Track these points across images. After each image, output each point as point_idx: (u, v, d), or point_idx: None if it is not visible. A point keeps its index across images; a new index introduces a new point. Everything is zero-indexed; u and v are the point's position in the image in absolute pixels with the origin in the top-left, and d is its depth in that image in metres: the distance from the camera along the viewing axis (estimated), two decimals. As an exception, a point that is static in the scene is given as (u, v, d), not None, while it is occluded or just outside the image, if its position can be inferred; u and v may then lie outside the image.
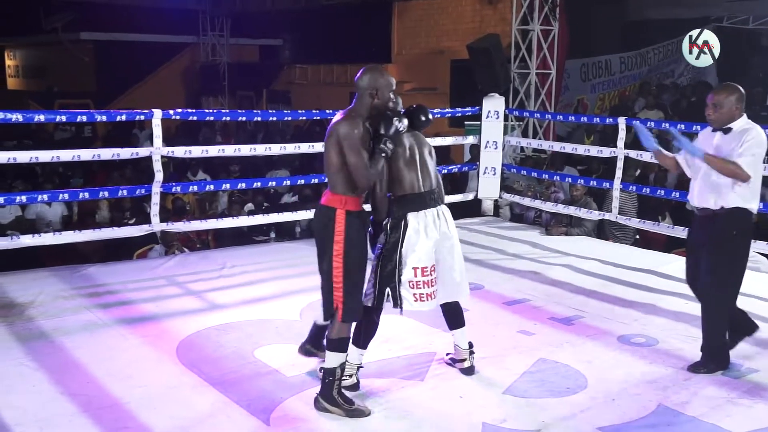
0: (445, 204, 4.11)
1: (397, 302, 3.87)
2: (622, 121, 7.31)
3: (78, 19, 18.81)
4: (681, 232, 6.97)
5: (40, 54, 22.93)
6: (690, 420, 3.72)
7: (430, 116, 4.12)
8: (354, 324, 3.80)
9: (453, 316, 4.20)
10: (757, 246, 6.47)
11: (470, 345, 4.23)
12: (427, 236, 3.89)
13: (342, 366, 3.73)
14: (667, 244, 7.55)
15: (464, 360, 4.21)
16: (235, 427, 3.60)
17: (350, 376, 3.92)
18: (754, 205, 4.22)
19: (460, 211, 8.66)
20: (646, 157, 7.56)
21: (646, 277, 6.20)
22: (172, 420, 3.64)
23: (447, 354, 4.35)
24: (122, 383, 4.01)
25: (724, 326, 4.32)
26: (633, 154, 7.40)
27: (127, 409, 3.74)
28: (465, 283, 4.17)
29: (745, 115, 4.19)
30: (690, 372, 4.26)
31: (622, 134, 7.27)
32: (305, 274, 5.73)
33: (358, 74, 3.82)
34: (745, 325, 4.48)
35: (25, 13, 19.08)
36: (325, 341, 3.84)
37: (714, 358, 4.29)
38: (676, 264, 6.59)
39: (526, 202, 8.39)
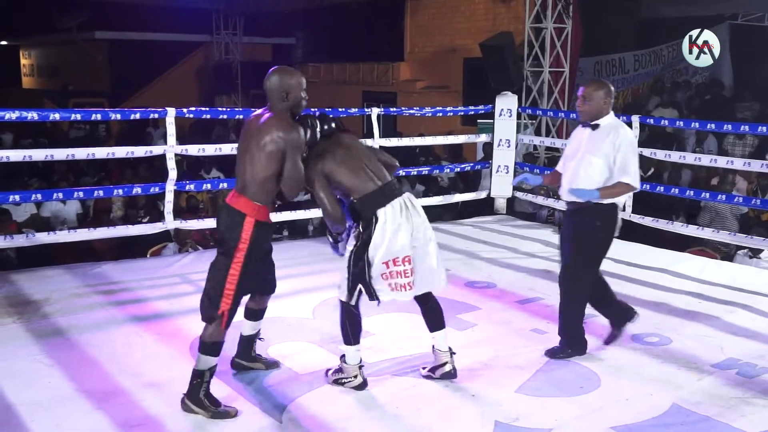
0: (410, 192, 4.07)
1: (372, 296, 3.82)
2: (635, 119, 7.28)
3: (92, 18, 18.91)
4: (695, 231, 6.95)
5: (55, 53, 23.08)
6: (704, 419, 3.71)
7: (333, 124, 4.03)
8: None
9: (433, 316, 4.06)
10: (754, 242, 6.46)
11: (450, 349, 4.08)
12: (399, 227, 3.81)
13: (211, 370, 3.68)
14: (680, 243, 7.52)
15: (445, 364, 4.05)
16: (248, 425, 3.61)
17: (355, 376, 3.93)
18: (621, 199, 4.38)
19: (472, 209, 8.68)
20: (660, 155, 7.55)
21: (659, 275, 6.17)
22: (185, 417, 3.66)
23: (423, 367, 4.14)
24: (136, 380, 4.04)
25: (580, 313, 4.44)
26: (647, 152, 7.37)
27: (142, 406, 3.76)
28: (441, 271, 4.01)
29: (612, 112, 4.32)
30: (546, 356, 4.39)
31: (636, 132, 7.23)
32: (318, 272, 5.76)
33: (267, 76, 3.76)
34: (624, 312, 4.59)
35: (39, 12, 19.21)
36: (198, 342, 3.72)
37: (571, 344, 4.42)
38: (689, 263, 6.58)
39: (539, 200, 8.37)
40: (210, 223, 7.01)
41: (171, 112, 6.29)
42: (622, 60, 12.83)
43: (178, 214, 6.96)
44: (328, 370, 4.07)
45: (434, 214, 9.15)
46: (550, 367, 4.30)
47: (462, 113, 9.53)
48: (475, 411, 3.78)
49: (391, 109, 8.76)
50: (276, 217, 7.42)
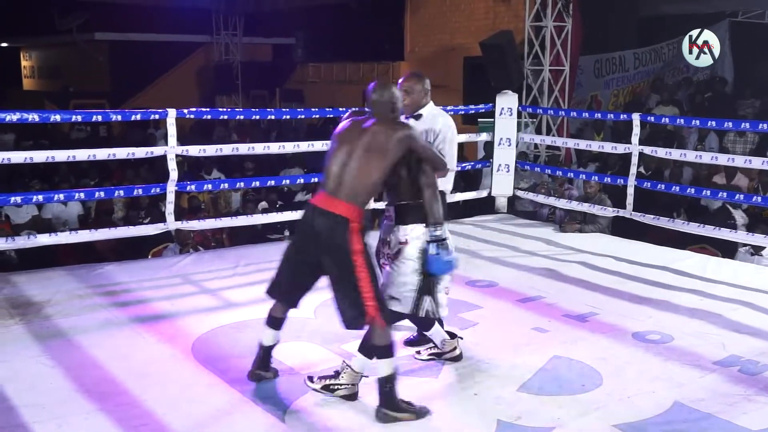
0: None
1: (435, 312, 3.95)
2: (636, 117, 7.28)
3: (92, 19, 18.90)
4: (696, 229, 6.95)
5: (55, 54, 23.07)
6: (706, 417, 3.70)
7: None
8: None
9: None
10: (756, 239, 6.46)
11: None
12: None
13: (395, 371, 3.65)
14: (681, 241, 7.51)
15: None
16: (251, 425, 3.62)
17: (453, 348, 4.20)
18: (448, 187, 4.35)
19: (473, 208, 8.68)
20: (661, 153, 7.54)
21: (660, 273, 6.17)
22: (188, 417, 3.66)
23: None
24: (138, 381, 4.04)
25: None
26: (647, 150, 7.37)
27: (144, 406, 3.77)
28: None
29: (432, 102, 4.39)
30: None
31: (636, 130, 7.24)
32: (319, 272, 5.75)
33: (374, 89, 3.86)
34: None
35: (39, 14, 19.20)
36: (364, 351, 3.73)
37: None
38: (690, 260, 6.57)
39: (540, 199, 8.37)
40: (211, 223, 7.02)
41: (172, 112, 6.29)
42: (623, 58, 12.82)
43: (180, 214, 6.97)
44: (419, 349, 4.30)
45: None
46: (551, 365, 4.30)
47: (462, 112, 9.49)
48: (477, 410, 3.77)
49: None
50: (277, 217, 7.46)
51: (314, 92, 18.21)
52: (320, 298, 5.17)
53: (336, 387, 3.82)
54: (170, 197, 6.40)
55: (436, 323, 4.15)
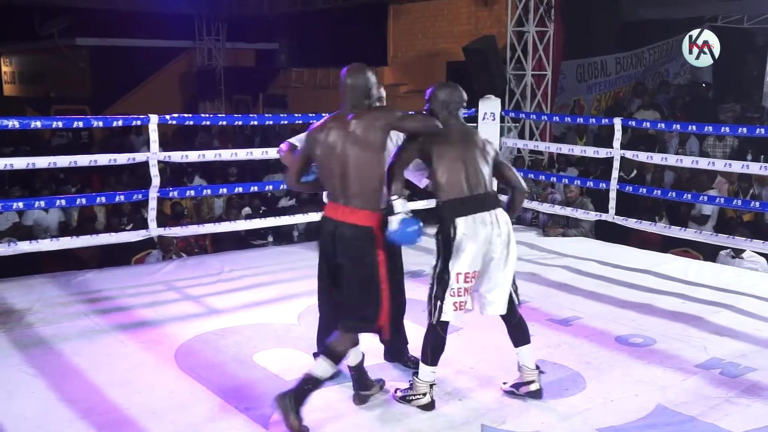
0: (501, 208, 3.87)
1: (437, 313, 3.73)
2: (617, 122, 7.32)
3: (73, 24, 18.78)
4: (678, 232, 7.00)
5: (37, 60, 22.90)
6: (689, 420, 3.73)
7: None
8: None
9: (519, 332, 3.93)
10: (753, 245, 6.50)
11: (537, 366, 3.94)
12: (475, 241, 3.68)
13: (325, 379, 3.63)
14: (663, 245, 7.57)
15: (531, 382, 3.89)
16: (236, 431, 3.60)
17: (423, 394, 3.81)
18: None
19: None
20: (642, 157, 7.59)
21: (643, 277, 6.21)
22: (171, 425, 3.64)
23: (504, 383, 4.02)
24: (121, 389, 4.01)
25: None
26: (629, 154, 7.42)
27: (126, 414, 3.74)
28: (504, 300, 3.86)
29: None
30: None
31: (618, 135, 7.28)
32: (303, 278, 5.74)
33: (346, 74, 3.69)
34: None
35: (20, 19, 19.05)
36: (325, 349, 3.63)
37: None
38: (672, 264, 6.62)
39: (524, 203, 8.39)
40: (194, 229, 6.99)
41: (154, 118, 6.25)
42: (604, 63, 12.91)
43: (163, 221, 6.93)
44: (396, 389, 3.94)
45: (420, 218, 9.16)
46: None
47: (446, 117, 9.52)
48: (462, 415, 3.78)
49: (375, 114, 8.75)
50: (261, 222, 7.44)
51: (297, 97, 18.20)
52: (304, 304, 5.19)
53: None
54: (152, 203, 6.36)
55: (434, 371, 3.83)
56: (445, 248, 3.70)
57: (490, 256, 3.75)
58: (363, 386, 3.90)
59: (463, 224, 3.68)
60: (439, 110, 3.85)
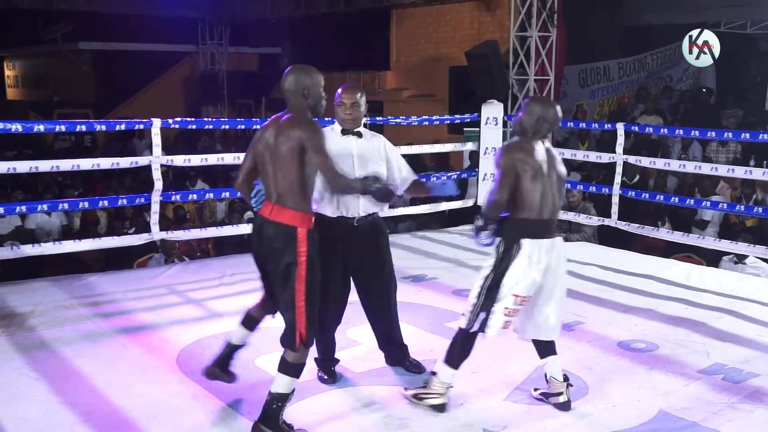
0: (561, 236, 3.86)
1: (484, 327, 3.73)
2: (620, 127, 7.32)
3: (77, 29, 18.81)
4: (681, 237, 6.99)
5: (40, 64, 22.96)
6: (691, 425, 3.72)
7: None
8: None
9: (544, 341, 3.95)
10: (756, 250, 6.50)
11: (566, 378, 3.92)
12: (536, 267, 3.69)
13: (292, 393, 3.54)
14: (666, 250, 7.56)
15: (560, 394, 3.88)
16: (237, 436, 3.60)
17: (439, 395, 3.81)
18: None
19: (460, 217, 8.70)
20: (645, 162, 7.59)
21: (645, 282, 6.20)
22: (172, 429, 3.64)
23: (535, 389, 4.04)
24: (123, 392, 4.01)
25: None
26: (632, 159, 7.42)
27: (128, 418, 3.74)
28: (557, 326, 3.93)
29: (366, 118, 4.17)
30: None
31: (620, 140, 7.28)
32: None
33: (284, 76, 3.64)
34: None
35: (24, 23, 19.10)
36: (279, 365, 3.57)
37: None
38: (675, 269, 6.61)
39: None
40: (196, 233, 7.00)
41: (156, 122, 6.27)
42: (607, 68, 12.91)
43: (165, 224, 6.94)
44: (406, 388, 3.99)
45: (421, 222, 9.18)
46: (537, 375, 4.30)
47: (448, 122, 9.55)
48: (464, 419, 3.77)
49: (378, 118, 8.77)
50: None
51: (300, 102, 18.19)
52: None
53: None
54: (155, 207, 6.37)
55: (454, 373, 3.86)
56: (503, 264, 3.70)
57: (545, 281, 3.76)
58: (220, 365, 3.91)
59: (528, 246, 3.68)
60: (530, 124, 3.77)
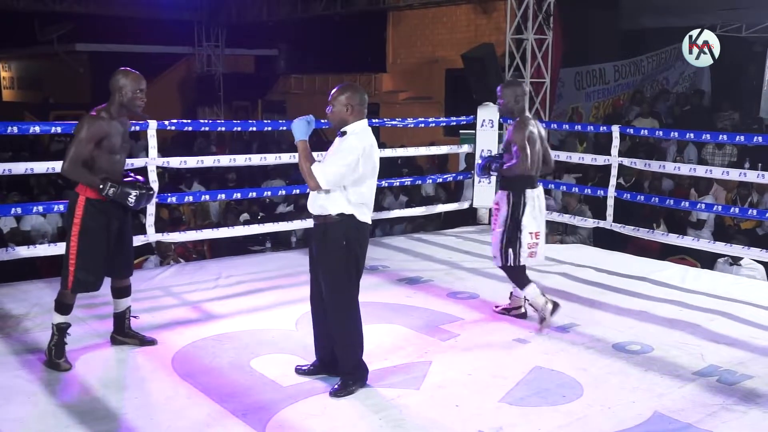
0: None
1: (517, 258, 5.02)
2: (615, 129, 7.34)
3: (73, 30, 18.83)
4: (676, 240, 7.01)
5: (36, 65, 22.96)
6: (685, 427, 3.73)
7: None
8: None
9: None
10: (751, 252, 6.52)
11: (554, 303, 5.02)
12: (540, 209, 5.09)
13: (60, 326, 4.32)
14: (661, 252, 7.58)
15: (519, 307, 5.26)
16: (232, 438, 3.60)
17: (546, 303, 4.96)
18: (360, 212, 3.97)
19: (455, 219, 8.71)
20: (640, 164, 7.61)
21: (640, 284, 6.21)
22: (168, 430, 3.64)
23: (496, 306, 5.42)
24: (118, 394, 4.01)
25: (357, 341, 4.06)
26: (627, 162, 7.44)
27: (123, 420, 3.74)
28: (542, 254, 5.27)
29: (364, 121, 4.03)
30: (331, 397, 3.96)
31: (616, 142, 7.30)
32: (301, 284, 5.72)
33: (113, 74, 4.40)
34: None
35: (20, 25, 19.10)
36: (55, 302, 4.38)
37: (353, 377, 4.05)
38: (670, 271, 6.63)
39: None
40: (192, 235, 7.00)
41: (152, 124, 6.28)
42: (603, 71, 12.95)
43: (161, 226, 6.93)
44: (496, 305, 5.45)
45: (417, 225, 9.19)
46: (533, 376, 4.31)
47: (444, 124, 9.55)
48: (459, 421, 3.78)
49: (374, 120, 8.72)
50: (259, 228, 7.44)
51: (296, 103, 18.25)
52: (301, 310, 5.19)
53: (543, 313, 5.00)
54: (150, 209, 6.37)
55: (533, 285, 5.03)
56: (516, 211, 5.00)
57: (541, 219, 5.14)
58: (121, 332, 4.69)
59: (529, 195, 5.03)
60: (513, 105, 5.04)
